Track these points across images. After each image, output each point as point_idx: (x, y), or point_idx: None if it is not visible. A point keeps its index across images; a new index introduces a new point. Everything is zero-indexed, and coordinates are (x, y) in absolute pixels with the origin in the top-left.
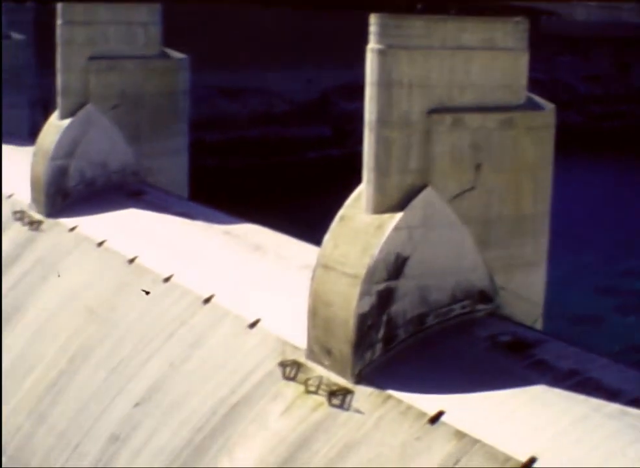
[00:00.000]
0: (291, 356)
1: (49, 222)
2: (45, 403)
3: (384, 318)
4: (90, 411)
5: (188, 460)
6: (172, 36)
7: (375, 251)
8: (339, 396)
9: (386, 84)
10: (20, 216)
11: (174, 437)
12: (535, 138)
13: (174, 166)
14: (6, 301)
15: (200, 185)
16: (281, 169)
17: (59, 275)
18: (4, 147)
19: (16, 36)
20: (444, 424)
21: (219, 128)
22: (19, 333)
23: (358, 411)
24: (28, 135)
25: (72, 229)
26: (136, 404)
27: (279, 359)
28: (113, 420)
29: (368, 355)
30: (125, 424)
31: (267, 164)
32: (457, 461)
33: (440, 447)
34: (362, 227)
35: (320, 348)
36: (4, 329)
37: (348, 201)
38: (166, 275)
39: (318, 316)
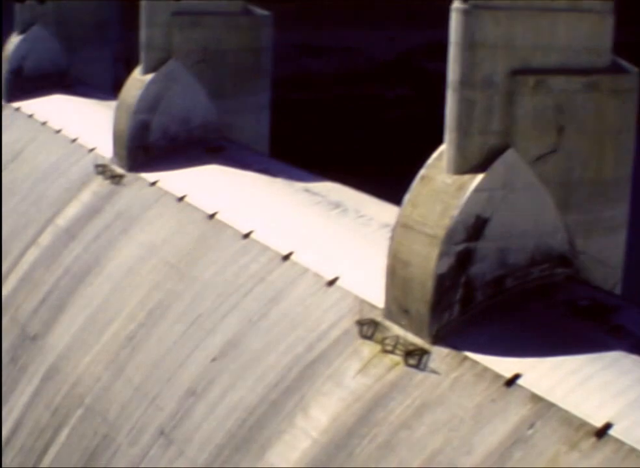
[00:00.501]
0: (368, 315)
1: (130, 176)
2: (123, 356)
3: (463, 279)
4: (168, 365)
5: (263, 416)
6: None
7: (455, 212)
8: (415, 356)
9: (469, 44)
10: (102, 169)
11: (250, 392)
12: (619, 102)
13: (256, 123)
14: (86, 254)
15: (281, 142)
16: (363, 128)
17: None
18: (87, 100)
19: None
20: (520, 387)
21: (302, 86)
22: (99, 286)
23: (433, 372)
24: (111, 89)
25: (153, 184)
26: (213, 359)
27: (356, 318)
28: (190, 374)
29: (445, 316)
30: (202, 379)
31: (349, 122)
32: (532, 425)
33: (515, 410)
34: (442, 188)
35: (397, 308)
36: (85, 281)
37: (429, 161)
38: (246, 232)
39: (396, 275)
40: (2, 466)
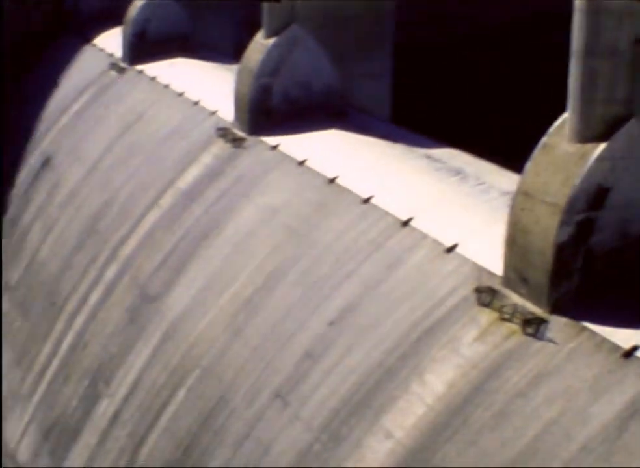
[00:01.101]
0: (486, 283)
1: (251, 140)
2: (240, 319)
3: (582, 249)
4: (285, 328)
5: (379, 381)
6: None
7: (577, 181)
8: (533, 325)
9: (593, 11)
10: (223, 133)
11: (366, 358)
12: None
13: (377, 89)
14: (206, 216)
15: (402, 109)
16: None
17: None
18: (209, 64)
19: None
20: (638, 359)
21: (424, 53)
22: (218, 249)
23: (551, 341)
24: (233, 53)
25: (274, 148)
26: (331, 323)
27: (474, 285)
28: (307, 337)
29: (564, 285)
30: (319, 343)
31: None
32: None
33: (633, 382)
34: (564, 156)
35: (516, 276)
36: (204, 243)
37: (552, 129)
38: (365, 197)
39: (515, 243)
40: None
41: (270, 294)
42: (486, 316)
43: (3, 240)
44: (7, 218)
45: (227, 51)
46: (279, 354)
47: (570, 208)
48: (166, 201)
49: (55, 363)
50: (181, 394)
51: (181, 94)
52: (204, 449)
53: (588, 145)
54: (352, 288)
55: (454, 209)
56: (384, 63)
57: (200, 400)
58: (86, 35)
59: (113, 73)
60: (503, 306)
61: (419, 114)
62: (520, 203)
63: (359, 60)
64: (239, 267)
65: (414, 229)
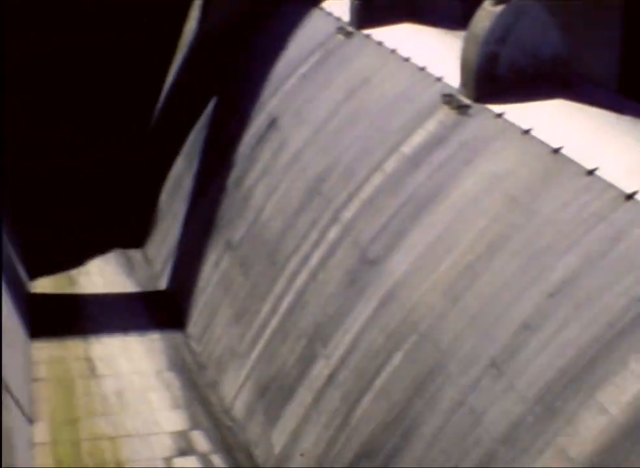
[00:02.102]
0: None
1: (476, 107)
2: (459, 286)
3: None
4: (503, 298)
5: (596, 356)
6: None
7: None
8: None
9: None
10: (449, 99)
11: (584, 331)
12: None
13: (605, 59)
14: (429, 182)
15: (632, 80)
16: None
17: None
18: (436, 30)
19: None
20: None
21: None
22: (440, 215)
23: None
24: (460, 19)
25: (498, 116)
26: (550, 295)
27: None
28: (525, 308)
29: None
30: (536, 314)
31: None
32: None
33: None
34: None
35: None
36: (426, 209)
37: None
38: (590, 169)
39: None
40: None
41: (489, 262)
42: None
43: (227, 200)
44: (232, 178)
45: (453, 16)
46: (496, 323)
47: None
48: (390, 165)
49: (274, 321)
50: (397, 358)
51: (407, 59)
52: (416, 414)
53: None
54: (573, 261)
55: None
56: (613, 33)
57: (415, 365)
58: None
59: (340, 36)
60: None
61: None
62: None
63: (587, 29)
64: (459, 234)
65: (639, 203)
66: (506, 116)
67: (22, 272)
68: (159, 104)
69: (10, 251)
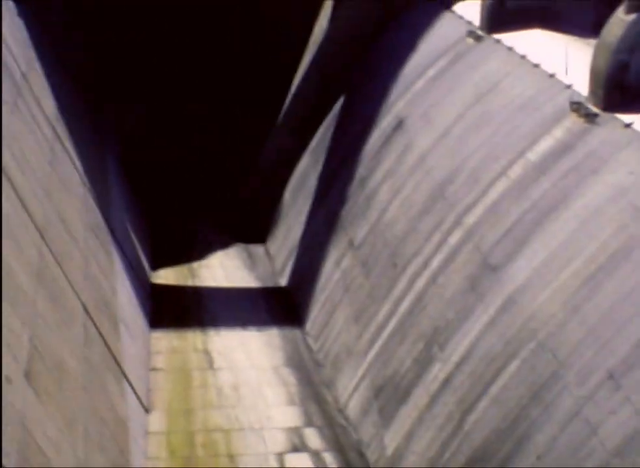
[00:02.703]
0: None
1: (604, 116)
2: (579, 296)
3: None
4: (624, 309)
5: None
6: None
7: None
8: None
9: None
10: (577, 107)
11: None
12: None
13: None
14: (554, 190)
15: None
16: None
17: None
18: (566, 37)
19: None
20: None
21: None
22: (563, 223)
23: None
24: (591, 27)
25: (627, 126)
26: None
27: None
28: None
29: None
30: None
31: None
32: None
33: None
34: None
35: None
36: (550, 217)
37: None
38: None
39: None
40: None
41: (612, 273)
42: None
43: (351, 199)
44: (356, 177)
45: (585, 24)
46: (616, 335)
47: None
48: (515, 171)
49: (392, 323)
50: (514, 365)
51: (536, 65)
52: (531, 422)
53: None
54: None
55: None
56: None
57: (532, 373)
58: (445, 1)
59: (470, 40)
60: None
61: None
62: None
63: None
64: (582, 244)
65: None
66: (635, 126)
67: (145, 262)
68: (287, 102)
69: (135, 241)
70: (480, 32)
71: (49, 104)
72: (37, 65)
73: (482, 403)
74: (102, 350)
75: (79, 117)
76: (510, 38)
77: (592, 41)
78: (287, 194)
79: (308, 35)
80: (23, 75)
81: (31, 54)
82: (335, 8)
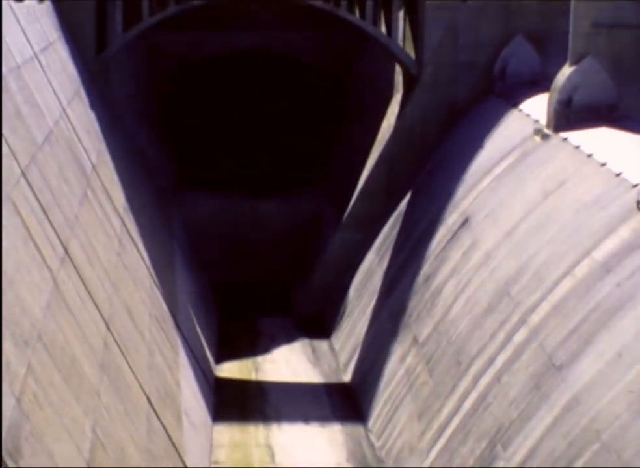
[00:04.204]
0: None
1: None
2: None
3: None
4: None
5: None
6: None
7: None
8: None
9: None
10: None
11: None
12: None
13: None
14: (620, 289)
15: None
16: None
17: None
18: (634, 135)
19: None
20: None
21: None
22: (630, 323)
23: None
24: None
25: None
26: None
27: None
28: None
29: None
30: None
31: None
32: None
33: None
34: None
35: None
36: (615, 316)
37: None
38: None
39: None
40: None
41: None
42: None
43: (415, 296)
44: (421, 274)
45: None
46: None
47: None
48: (581, 270)
49: (455, 420)
50: (578, 465)
51: (603, 164)
52: None
53: None
54: None
55: None
56: None
57: None
58: (512, 99)
59: (537, 138)
60: None
61: None
62: None
63: None
64: None
65: None
66: None
67: (209, 355)
68: (353, 199)
69: (200, 334)
70: (547, 131)
71: (118, 195)
72: (107, 158)
73: None
74: (164, 442)
75: (148, 205)
76: (577, 137)
77: None
78: (352, 290)
79: (377, 131)
80: (94, 167)
81: (102, 146)
82: (402, 106)
